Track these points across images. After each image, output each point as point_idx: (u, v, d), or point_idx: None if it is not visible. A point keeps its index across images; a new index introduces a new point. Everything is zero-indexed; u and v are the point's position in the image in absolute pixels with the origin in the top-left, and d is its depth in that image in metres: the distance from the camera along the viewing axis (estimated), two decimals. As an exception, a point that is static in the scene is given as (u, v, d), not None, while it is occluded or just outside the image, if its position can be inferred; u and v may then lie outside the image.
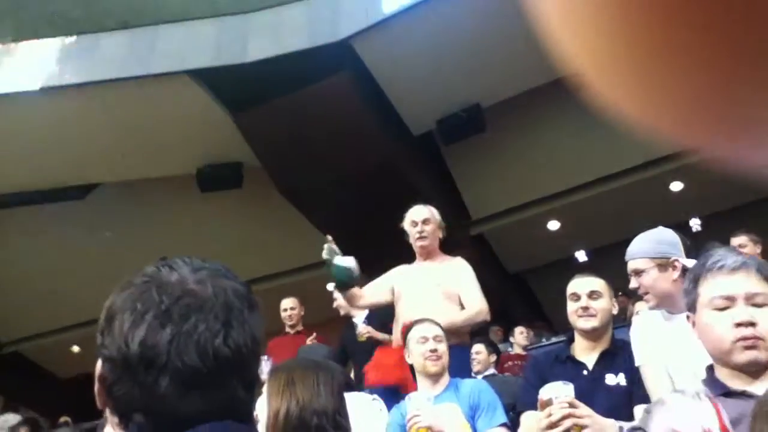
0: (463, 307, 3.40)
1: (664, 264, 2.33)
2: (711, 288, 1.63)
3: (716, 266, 1.64)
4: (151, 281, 0.83)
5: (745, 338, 1.54)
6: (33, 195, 8.26)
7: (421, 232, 3.50)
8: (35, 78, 7.03)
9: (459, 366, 3.10)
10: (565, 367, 2.59)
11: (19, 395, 10.57)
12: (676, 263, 2.32)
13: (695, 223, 8.19)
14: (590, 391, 2.41)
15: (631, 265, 2.40)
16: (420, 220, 3.53)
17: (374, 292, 3.58)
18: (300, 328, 5.34)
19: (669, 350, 2.26)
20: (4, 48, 7.40)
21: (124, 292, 0.84)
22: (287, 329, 5.34)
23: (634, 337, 2.47)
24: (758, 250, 4.30)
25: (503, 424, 2.65)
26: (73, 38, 7.25)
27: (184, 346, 0.79)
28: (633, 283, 2.40)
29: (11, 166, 7.66)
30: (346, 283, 3.37)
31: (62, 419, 6.58)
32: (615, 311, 2.66)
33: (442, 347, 2.80)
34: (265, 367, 5.02)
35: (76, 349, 10.78)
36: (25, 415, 4.31)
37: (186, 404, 0.79)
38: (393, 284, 3.55)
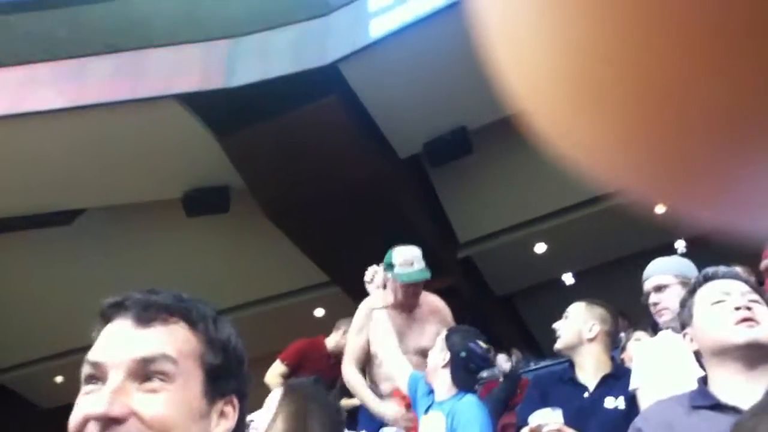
0: None
1: (686, 283, 2.39)
2: (708, 289, 1.76)
3: (710, 274, 1.80)
4: None
5: (745, 318, 1.65)
6: (18, 221, 8.17)
7: None
8: (19, 101, 6.99)
9: None
10: (566, 387, 2.60)
11: None
12: None
13: (680, 245, 8.24)
14: (588, 414, 2.42)
15: (655, 281, 2.49)
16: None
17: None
18: None
19: (676, 368, 2.24)
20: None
21: None
22: None
23: (636, 359, 2.49)
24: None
25: None
26: (60, 61, 7.22)
27: None
28: (652, 299, 2.47)
29: (-5, 191, 7.59)
30: None
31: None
32: (590, 335, 2.65)
33: None
34: None
35: (59, 379, 10.49)
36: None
37: None
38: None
